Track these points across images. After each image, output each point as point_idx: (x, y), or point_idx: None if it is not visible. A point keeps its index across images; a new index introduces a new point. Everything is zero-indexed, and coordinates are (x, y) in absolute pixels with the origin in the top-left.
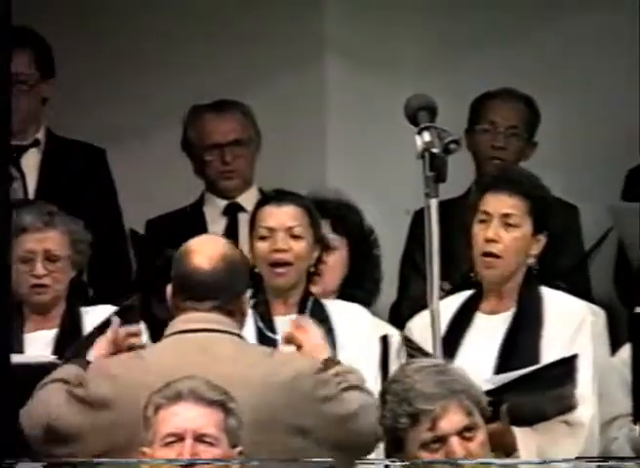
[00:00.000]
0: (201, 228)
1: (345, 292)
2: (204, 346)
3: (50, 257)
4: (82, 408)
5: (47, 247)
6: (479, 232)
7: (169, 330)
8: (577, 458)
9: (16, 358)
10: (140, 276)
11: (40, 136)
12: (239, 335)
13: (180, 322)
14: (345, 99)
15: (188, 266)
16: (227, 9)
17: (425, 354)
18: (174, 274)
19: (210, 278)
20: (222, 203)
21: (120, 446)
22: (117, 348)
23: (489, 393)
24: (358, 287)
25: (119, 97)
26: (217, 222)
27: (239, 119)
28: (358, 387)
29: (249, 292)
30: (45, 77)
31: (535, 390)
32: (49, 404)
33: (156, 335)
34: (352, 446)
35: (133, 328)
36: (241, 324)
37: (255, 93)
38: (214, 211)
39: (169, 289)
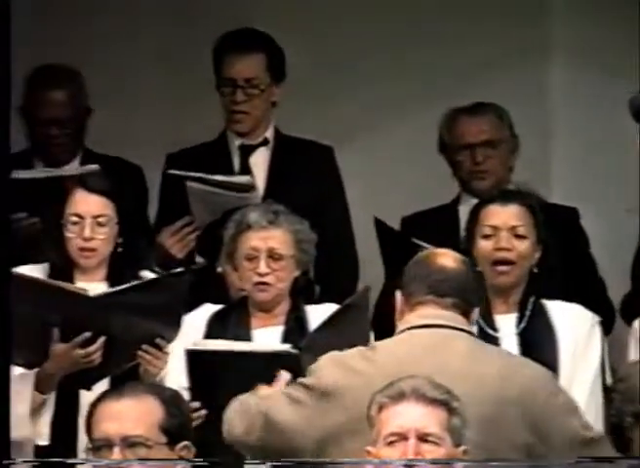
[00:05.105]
0: (454, 227)
1: None
2: (438, 342)
3: (273, 256)
4: (307, 395)
5: (271, 245)
6: None
7: (402, 325)
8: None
9: (249, 346)
10: (389, 268)
11: (269, 134)
12: (473, 334)
13: (414, 317)
14: (569, 100)
15: (433, 265)
16: (451, 8)
17: None
18: (412, 275)
19: (453, 276)
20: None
21: (333, 434)
22: None
23: None
24: None
25: (346, 96)
26: None
27: (493, 121)
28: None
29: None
30: (276, 81)
31: None
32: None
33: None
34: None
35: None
36: None
37: (478, 93)
38: (468, 210)
39: (398, 294)
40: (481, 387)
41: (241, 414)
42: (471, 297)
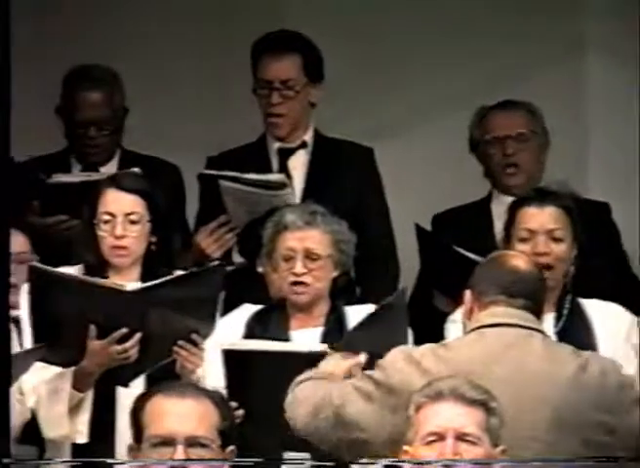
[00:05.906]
0: (487, 225)
1: None
2: (513, 341)
3: (310, 256)
4: (376, 390)
5: (307, 245)
6: None
7: (473, 324)
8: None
9: (285, 346)
10: (425, 270)
11: (308, 137)
12: (545, 334)
13: (485, 316)
14: (606, 98)
15: (506, 266)
16: (486, 8)
17: None
18: (484, 275)
19: (525, 278)
20: (509, 199)
21: (401, 432)
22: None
23: None
24: None
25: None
26: (503, 219)
27: (524, 116)
28: None
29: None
30: (313, 81)
31: None
32: (331, 391)
33: (433, 327)
34: None
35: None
36: None
37: (514, 93)
38: (500, 207)
39: (467, 293)
40: (557, 387)
41: (302, 401)
42: (541, 299)
